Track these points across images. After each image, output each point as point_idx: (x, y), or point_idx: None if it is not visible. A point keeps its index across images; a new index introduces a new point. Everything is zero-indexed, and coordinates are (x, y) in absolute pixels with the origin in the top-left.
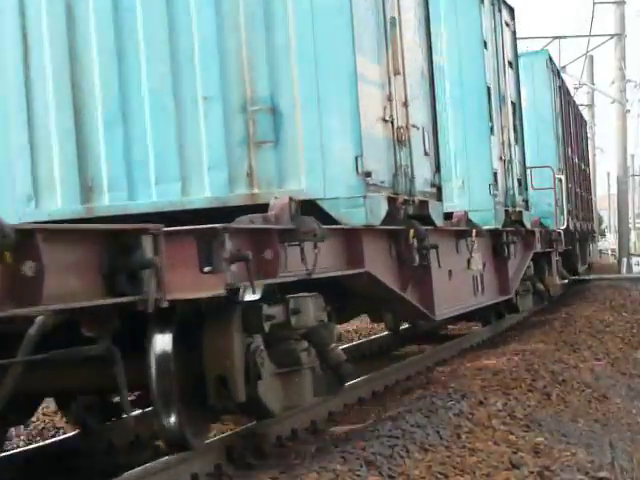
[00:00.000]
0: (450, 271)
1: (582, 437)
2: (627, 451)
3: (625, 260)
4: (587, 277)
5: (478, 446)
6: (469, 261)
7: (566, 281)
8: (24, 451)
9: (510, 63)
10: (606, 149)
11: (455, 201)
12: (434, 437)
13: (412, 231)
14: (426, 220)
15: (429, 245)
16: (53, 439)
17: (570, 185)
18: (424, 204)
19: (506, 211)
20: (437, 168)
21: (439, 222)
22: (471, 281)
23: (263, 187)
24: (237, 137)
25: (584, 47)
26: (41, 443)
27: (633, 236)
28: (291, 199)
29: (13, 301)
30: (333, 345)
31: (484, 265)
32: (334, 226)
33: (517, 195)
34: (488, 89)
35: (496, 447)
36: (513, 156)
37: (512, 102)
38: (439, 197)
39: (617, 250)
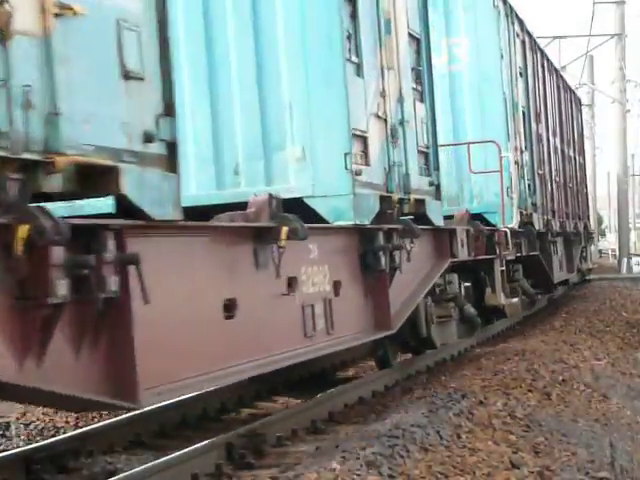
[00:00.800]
0: (231, 302)
1: (582, 437)
2: (627, 451)
3: (625, 260)
4: (579, 280)
5: (478, 446)
6: (292, 281)
7: (515, 300)
8: (24, 451)
9: None
10: (606, 149)
11: (291, 181)
12: (434, 437)
13: (23, 229)
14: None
15: (117, 259)
16: (53, 439)
17: (541, 171)
18: (91, 173)
19: (385, 198)
20: (167, 109)
21: (162, 211)
22: (298, 315)
23: None
24: None
25: (584, 47)
26: (41, 443)
27: (633, 236)
28: None
29: None
30: None
31: (337, 285)
32: None
33: (417, 176)
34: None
35: (496, 447)
36: (408, 116)
37: (412, 35)
38: (170, 165)
39: (617, 250)
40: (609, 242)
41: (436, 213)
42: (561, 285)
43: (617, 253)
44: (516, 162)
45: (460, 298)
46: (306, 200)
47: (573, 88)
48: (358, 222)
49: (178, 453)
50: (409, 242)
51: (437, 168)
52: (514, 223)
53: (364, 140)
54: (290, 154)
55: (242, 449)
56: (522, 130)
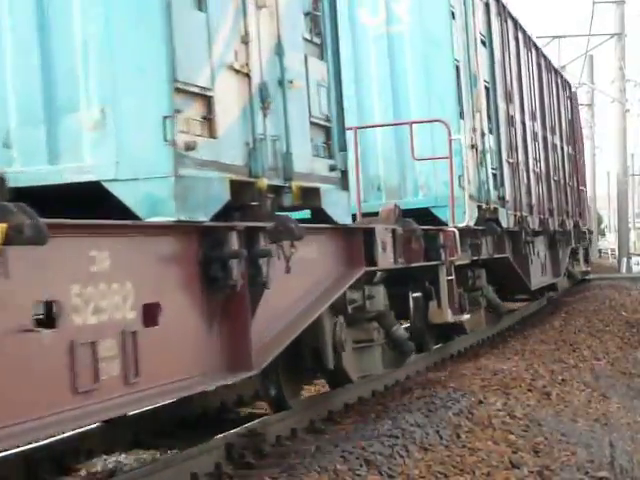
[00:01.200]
0: None
1: (582, 437)
2: (627, 451)
3: (625, 260)
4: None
5: (478, 445)
6: (49, 308)
7: (466, 316)
8: (24, 451)
9: None
10: (606, 149)
11: (86, 157)
12: (434, 437)
13: None
14: None
15: None
16: (53, 439)
17: (512, 160)
18: None
19: (243, 184)
20: None
21: None
22: (61, 360)
23: None
24: None
25: (584, 47)
26: (41, 443)
27: (633, 236)
28: None
29: None
30: None
31: (151, 311)
32: None
33: (309, 157)
34: None
35: (496, 446)
36: (294, 74)
37: None
38: None
39: (616, 250)
40: (609, 242)
41: (339, 207)
42: (550, 291)
43: (617, 253)
44: (473, 146)
45: (387, 317)
46: (107, 185)
47: (560, 70)
48: (184, 217)
49: (178, 453)
50: (289, 246)
51: (344, 148)
52: (466, 220)
53: (207, 101)
54: (85, 118)
55: (242, 449)
56: (484, 109)
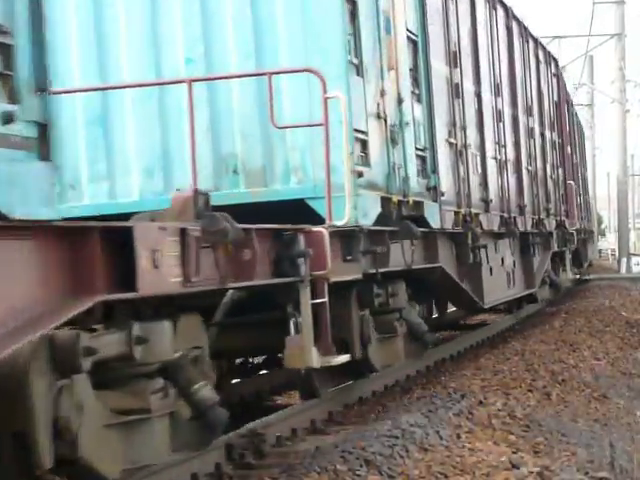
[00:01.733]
0: None
1: (582, 437)
2: (627, 451)
3: (624, 260)
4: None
5: (478, 446)
6: None
7: (344, 358)
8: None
9: None
10: (606, 149)
11: None
12: (434, 437)
13: None
14: None
15: None
16: None
17: (455, 140)
18: None
19: None
20: None
21: None
22: None
23: None
24: None
25: (584, 47)
26: None
27: (633, 236)
28: None
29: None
30: None
31: None
32: None
33: None
34: None
35: (496, 447)
36: None
37: None
38: None
39: (616, 250)
40: (609, 242)
41: (20, 190)
42: (530, 302)
43: (616, 253)
44: (380, 116)
45: (183, 371)
46: None
47: (542, 41)
48: None
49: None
50: None
51: (44, 85)
52: (346, 217)
53: None
54: None
55: (242, 449)
56: (405, 67)
